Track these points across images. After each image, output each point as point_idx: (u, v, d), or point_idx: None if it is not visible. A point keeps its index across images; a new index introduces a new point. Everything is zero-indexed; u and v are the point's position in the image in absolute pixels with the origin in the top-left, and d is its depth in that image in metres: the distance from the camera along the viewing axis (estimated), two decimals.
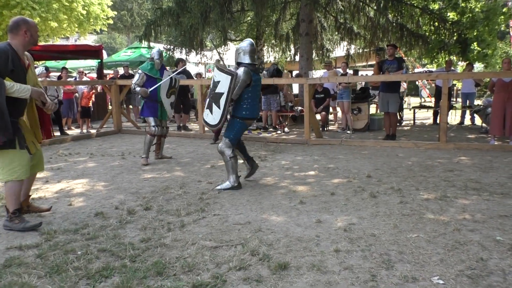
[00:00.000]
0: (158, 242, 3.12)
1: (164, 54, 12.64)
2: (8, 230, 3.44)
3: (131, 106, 13.45)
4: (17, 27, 3.40)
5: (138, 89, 6.13)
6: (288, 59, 14.59)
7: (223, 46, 14.08)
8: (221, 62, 5.52)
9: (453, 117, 11.58)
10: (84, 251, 2.95)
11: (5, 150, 3.38)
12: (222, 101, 4.63)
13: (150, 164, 6.18)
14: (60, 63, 18.00)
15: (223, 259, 2.82)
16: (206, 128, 8.64)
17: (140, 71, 6.30)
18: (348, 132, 9.32)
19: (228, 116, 4.89)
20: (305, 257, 2.83)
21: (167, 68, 6.80)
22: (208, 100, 4.94)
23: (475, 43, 10.55)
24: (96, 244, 3.10)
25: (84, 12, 18.67)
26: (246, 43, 4.85)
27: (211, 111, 4.79)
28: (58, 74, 15.23)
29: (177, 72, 6.87)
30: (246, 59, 4.72)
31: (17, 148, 3.45)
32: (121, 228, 3.45)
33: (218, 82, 4.70)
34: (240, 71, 4.61)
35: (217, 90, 4.70)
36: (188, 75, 10.46)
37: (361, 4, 11.37)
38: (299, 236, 3.21)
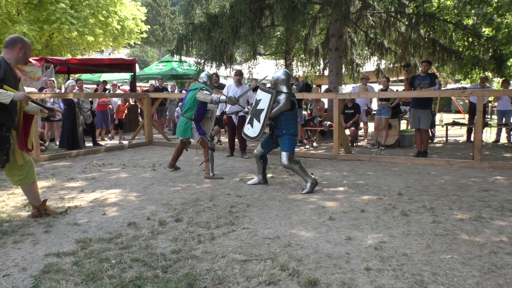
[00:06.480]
0: (188, 254, 3.17)
1: (194, 68, 12.98)
2: (47, 234, 3.65)
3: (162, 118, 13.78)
4: (13, 43, 3.73)
5: (223, 97, 6.16)
6: (317, 74, 14.58)
7: (253, 60, 14.26)
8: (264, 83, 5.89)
9: (488, 135, 11.24)
10: (118, 260, 3.03)
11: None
12: (262, 116, 5.32)
13: (179, 176, 6.30)
14: (95, 76, 18.68)
15: (252, 273, 2.83)
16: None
17: (206, 91, 6.30)
18: (382, 148, 9.18)
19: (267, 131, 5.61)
20: (335, 274, 2.81)
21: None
22: (250, 116, 5.59)
23: (511, 59, 10.26)
24: (129, 254, 3.17)
25: (119, 27, 19.39)
26: (281, 72, 5.47)
27: (252, 126, 5.49)
28: (93, 86, 15.84)
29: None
30: (284, 89, 5.35)
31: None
32: (153, 239, 3.53)
33: (260, 100, 5.39)
34: (282, 97, 5.27)
35: (258, 107, 5.39)
36: (222, 88, 10.60)
37: (392, 19, 11.29)
38: (329, 253, 3.19)
